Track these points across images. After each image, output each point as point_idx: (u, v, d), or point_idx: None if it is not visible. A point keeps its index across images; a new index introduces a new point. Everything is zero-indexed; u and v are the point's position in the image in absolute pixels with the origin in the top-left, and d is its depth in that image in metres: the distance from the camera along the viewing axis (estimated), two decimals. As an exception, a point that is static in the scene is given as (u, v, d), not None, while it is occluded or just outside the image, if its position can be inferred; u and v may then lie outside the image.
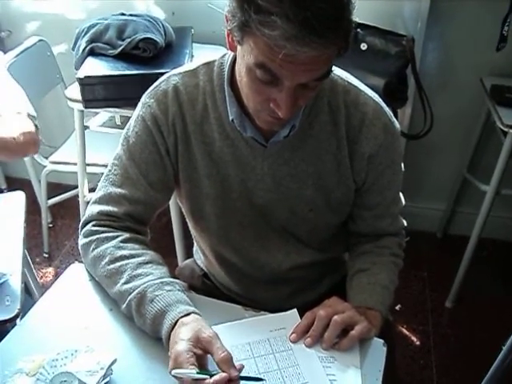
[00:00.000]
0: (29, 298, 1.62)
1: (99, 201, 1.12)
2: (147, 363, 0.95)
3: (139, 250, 1.07)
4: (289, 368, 0.94)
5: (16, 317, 1.08)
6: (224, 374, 0.84)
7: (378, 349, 1.00)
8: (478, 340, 2.16)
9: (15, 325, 1.06)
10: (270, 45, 0.82)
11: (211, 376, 0.85)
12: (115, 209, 1.10)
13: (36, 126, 1.51)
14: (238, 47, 0.92)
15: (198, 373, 0.85)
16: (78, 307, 1.07)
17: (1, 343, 0.98)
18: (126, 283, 1.01)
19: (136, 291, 0.99)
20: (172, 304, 0.96)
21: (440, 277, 2.47)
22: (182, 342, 0.88)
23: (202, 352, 0.89)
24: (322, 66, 0.88)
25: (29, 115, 1.48)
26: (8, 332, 1.01)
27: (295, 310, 1.05)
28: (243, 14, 0.83)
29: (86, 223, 1.13)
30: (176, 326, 0.93)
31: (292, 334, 0.99)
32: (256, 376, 0.92)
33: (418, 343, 2.18)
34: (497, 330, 2.09)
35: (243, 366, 0.89)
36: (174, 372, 0.86)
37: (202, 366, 0.88)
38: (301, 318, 1.02)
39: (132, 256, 1.05)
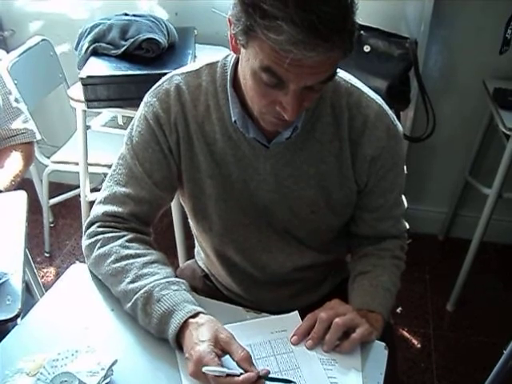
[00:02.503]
0: (30, 297, 1.62)
1: (104, 201, 1.13)
2: (148, 364, 0.95)
3: (144, 250, 1.08)
4: (290, 370, 0.94)
5: (17, 316, 1.07)
6: (252, 374, 0.85)
7: (380, 352, 0.99)
8: (478, 344, 2.16)
9: (16, 324, 1.06)
10: (276, 49, 0.82)
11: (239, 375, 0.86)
12: (120, 209, 1.10)
13: (31, 131, 1.70)
14: (242, 50, 0.92)
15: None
16: (79, 307, 1.07)
17: (1, 343, 0.98)
18: (131, 282, 1.02)
19: (142, 290, 0.99)
20: (179, 304, 0.97)
21: (441, 280, 2.47)
22: (202, 343, 0.89)
23: (221, 352, 0.90)
24: (327, 69, 0.88)
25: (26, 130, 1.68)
26: (9, 331, 1.01)
27: (296, 312, 1.05)
28: (248, 18, 0.83)
29: (90, 224, 1.13)
30: (190, 328, 0.93)
31: (293, 336, 0.99)
32: (286, 378, 0.92)
33: (418, 346, 2.17)
34: (498, 334, 2.10)
35: (269, 372, 0.89)
36: (204, 369, 0.86)
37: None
38: (302, 320, 1.02)
39: (138, 255, 1.06)
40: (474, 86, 2.27)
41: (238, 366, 0.88)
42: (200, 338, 0.90)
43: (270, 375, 0.89)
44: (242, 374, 0.86)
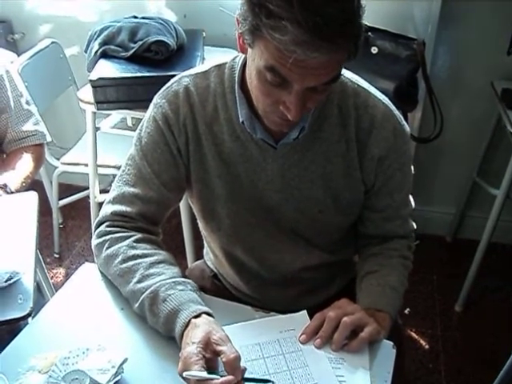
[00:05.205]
0: (40, 297, 1.63)
1: (113, 201, 1.14)
2: (158, 362, 0.96)
3: (152, 250, 1.08)
4: (298, 369, 0.94)
5: (28, 315, 1.08)
6: (230, 377, 0.85)
7: (388, 351, 1.00)
8: (487, 344, 2.15)
9: (27, 323, 1.08)
10: (280, 49, 0.83)
11: (221, 377, 0.85)
12: (128, 209, 1.11)
13: (41, 133, 1.74)
14: (249, 50, 0.93)
15: (208, 373, 0.86)
16: (89, 306, 1.08)
17: (14, 341, 0.99)
18: (138, 282, 1.02)
19: (149, 290, 1.00)
20: (184, 303, 0.97)
21: (449, 281, 2.47)
22: (192, 344, 0.89)
23: (211, 355, 0.89)
24: (331, 71, 0.89)
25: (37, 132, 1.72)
26: (21, 330, 1.02)
27: (305, 311, 1.05)
28: (254, 17, 0.84)
29: (99, 224, 1.15)
30: (188, 328, 0.94)
31: (302, 335, 1.00)
32: (264, 378, 0.92)
33: (426, 347, 2.17)
34: (506, 335, 2.10)
35: (246, 369, 0.89)
36: (185, 374, 0.87)
37: (212, 368, 0.88)
38: (310, 320, 1.02)
39: (145, 255, 1.06)
40: (481, 86, 2.26)
41: (224, 368, 0.87)
42: (191, 340, 0.90)
43: (249, 376, 0.89)
44: (222, 376, 0.85)
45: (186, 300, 0.98)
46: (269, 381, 0.91)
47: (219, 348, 0.89)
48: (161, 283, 1.00)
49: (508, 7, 2.10)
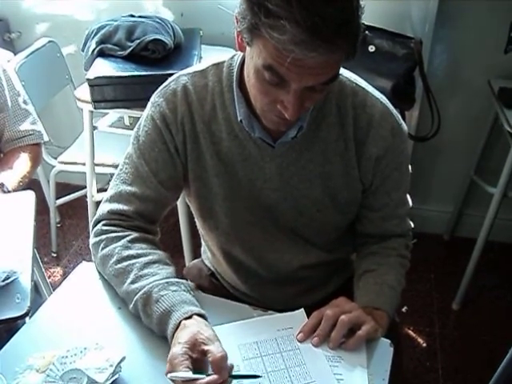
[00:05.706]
0: (38, 297, 1.63)
1: (110, 199, 1.14)
2: (155, 361, 0.96)
3: (146, 250, 1.08)
4: (296, 367, 0.94)
5: (26, 314, 1.08)
6: (215, 377, 0.85)
7: (385, 349, 1.00)
8: (484, 342, 2.16)
9: (25, 323, 1.08)
10: (278, 48, 0.83)
11: (207, 376, 0.85)
12: (125, 207, 1.11)
13: (38, 132, 1.74)
14: (247, 48, 0.93)
15: (193, 373, 0.85)
16: (87, 305, 1.08)
17: (11, 340, 0.99)
18: (132, 283, 1.02)
19: (142, 291, 1.00)
20: (177, 304, 0.97)
21: (447, 279, 2.47)
22: (178, 344, 0.89)
23: (198, 355, 0.89)
24: (329, 71, 0.89)
25: (34, 132, 1.72)
26: (18, 329, 1.02)
27: (302, 309, 1.05)
28: (253, 16, 0.84)
29: (96, 222, 1.15)
30: (178, 329, 0.94)
31: (299, 333, 1.00)
32: (251, 373, 0.92)
33: (424, 345, 2.17)
34: (503, 333, 2.11)
35: (233, 367, 0.89)
36: (169, 375, 0.86)
37: (200, 369, 0.88)
38: (308, 318, 1.02)
39: (139, 256, 1.06)
40: (479, 85, 2.27)
41: (211, 367, 0.87)
42: (178, 340, 0.90)
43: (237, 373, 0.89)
44: (209, 375, 0.85)
45: (179, 301, 0.98)
46: (257, 376, 0.91)
47: (206, 347, 0.89)
48: (154, 284, 1.00)
49: (505, 5, 2.10)
